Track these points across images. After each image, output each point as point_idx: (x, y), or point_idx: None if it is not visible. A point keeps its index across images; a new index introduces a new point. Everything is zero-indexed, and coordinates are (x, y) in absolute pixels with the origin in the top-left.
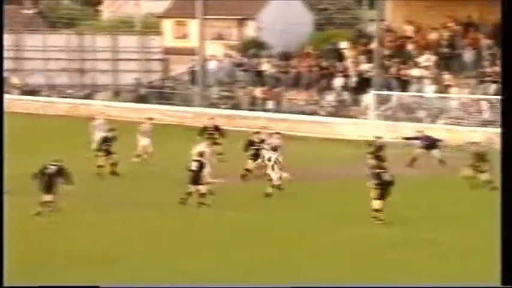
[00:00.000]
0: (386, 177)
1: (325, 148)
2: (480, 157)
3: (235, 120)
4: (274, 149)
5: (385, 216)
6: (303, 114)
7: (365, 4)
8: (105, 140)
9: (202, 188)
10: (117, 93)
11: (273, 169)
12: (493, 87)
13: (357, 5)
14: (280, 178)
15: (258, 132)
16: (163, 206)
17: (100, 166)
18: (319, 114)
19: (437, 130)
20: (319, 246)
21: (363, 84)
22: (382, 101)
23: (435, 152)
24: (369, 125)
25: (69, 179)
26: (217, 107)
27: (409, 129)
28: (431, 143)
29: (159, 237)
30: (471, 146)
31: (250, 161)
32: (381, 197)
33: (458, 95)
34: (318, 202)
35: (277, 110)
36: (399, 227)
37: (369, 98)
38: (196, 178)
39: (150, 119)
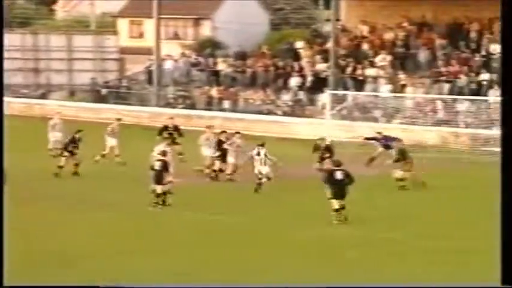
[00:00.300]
0: (338, 176)
1: (282, 148)
2: (402, 155)
3: (192, 120)
4: (262, 144)
5: (345, 215)
6: (260, 113)
7: (320, 4)
8: (73, 141)
9: (164, 188)
10: (72, 93)
11: (264, 164)
12: (447, 86)
13: (313, 5)
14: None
15: (224, 132)
16: (124, 206)
17: (60, 167)
18: (275, 114)
19: (392, 130)
20: (281, 246)
21: (319, 83)
22: (338, 100)
23: (392, 153)
24: (325, 124)
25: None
26: (174, 107)
27: (365, 128)
28: (390, 143)
29: (120, 237)
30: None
31: (217, 161)
32: (335, 196)
33: (413, 94)
34: (279, 202)
35: (233, 110)
36: (358, 227)
37: (324, 97)
38: (160, 178)
39: (119, 119)
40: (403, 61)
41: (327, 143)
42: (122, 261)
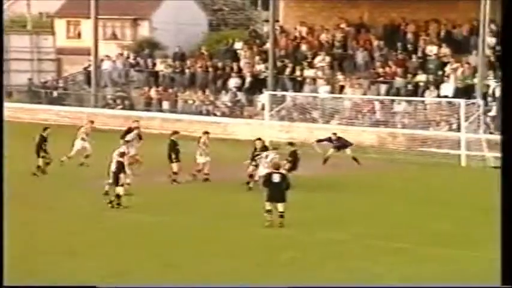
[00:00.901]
0: (275, 179)
1: (221, 148)
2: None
3: (130, 120)
4: (275, 148)
5: (281, 221)
6: (199, 114)
7: (259, 5)
8: (44, 139)
9: (121, 190)
10: (9, 94)
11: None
12: (385, 87)
13: (251, 6)
14: None
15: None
16: (68, 207)
17: (39, 167)
18: (214, 115)
19: (330, 130)
20: (216, 247)
21: (258, 84)
22: (277, 101)
23: (348, 151)
24: (263, 125)
25: None
26: (112, 108)
27: (304, 129)
28: (342, 145)
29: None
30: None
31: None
32: (270, 199)
33: (352, 95)
34: (219, 203)
35: (172, 111)
36: (295, 227)
37: (263, 98)
38: (116, 179)
39: (92, 122)
40: (341, 62)
41: (265, 144)
42: (55, 261)
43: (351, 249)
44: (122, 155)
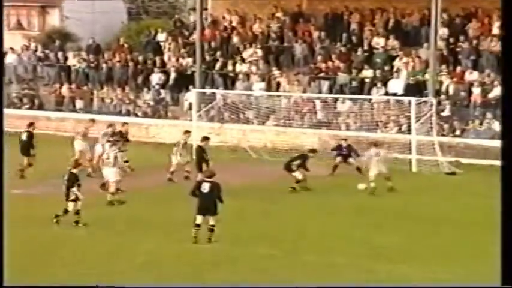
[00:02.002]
0: (205, 188)
1: (142, 153)
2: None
3: (39, 122)
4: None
5: (210, 235)
6: (117, 115)
7: None
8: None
9: (71, 205)
10: None
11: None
12: (327, 84)
13: None
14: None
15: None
16: None
17: (22, 170)
18: (135, 115)
19: (267, 132)
20: (136, 261)
21: (184, 81)
22: (206, 100)
23: (351, 160)
24: (190, 127)
25: None
26: (19, 108)
27: (236, 131)
28: (348, 154)
29: None
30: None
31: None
32: (200, 211)
33: (289, 93)
34: (143, 213)
35: (87, 111)
36: (227, 242)
37: (190, 96)
38: (67, 193)
39: (92, 120)
40: (278, 56)
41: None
42: None
43: (282, 264)
44: (76, 164)
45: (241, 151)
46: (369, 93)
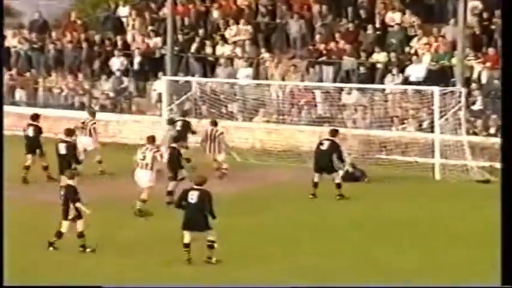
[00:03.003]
0: (192, 198)
1: (102, 155)
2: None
3: None
4: None
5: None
6: (69, 108)
7: None
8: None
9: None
10: None
11: None
12: (330, 70)
13: None
14: None
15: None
16: None
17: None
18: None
19: (255, 130)
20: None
21: (152, 66)
22: (179, 90)
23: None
24: (160, 123)
25: None
26: None
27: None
28: None
29: None
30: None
31: None
32: (185, 226)
33: (283, 82)
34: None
35: (30, 104)
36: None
37: (159, 86)
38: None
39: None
40: (268, 35)
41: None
42: None
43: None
44: (72, 176)
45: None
46: (381, 82)
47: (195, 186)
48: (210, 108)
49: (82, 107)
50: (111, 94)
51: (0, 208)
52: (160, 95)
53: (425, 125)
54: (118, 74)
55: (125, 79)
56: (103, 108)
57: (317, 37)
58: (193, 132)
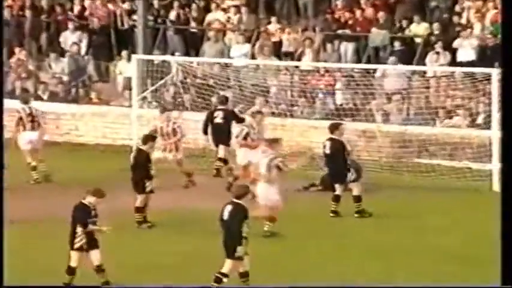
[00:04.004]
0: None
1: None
2: None
3: None
4: None
5: None
6: (9, 98)
7: None
8: None
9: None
10: None
11: None
12: (352, 47)
13: None
14: None
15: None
16: None
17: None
18: (36, 98)
19: (252, 125)
20: None
21: (118, 42)
22: (154, 73)
23: None
24: (129, 117)
25: None
26: None
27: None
28: None
29: None
30: None
31: None
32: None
33: (291, 62)
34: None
35: None
36: None
37: (128, 67)
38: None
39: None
40: (271, 0)
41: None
42: None
43: None
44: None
45: (213, 156)
46: (421, 63)
47: (235, 200)
48: (195, 97)
49: (25, 96)
50: (64, 78)
51: (0, 208)
52: (129, 79)
53: (480, 119)
54: (73, 50)
55: (83, 58)
56: (53, 97)
57: (336, 3)
58: (241, 120)
